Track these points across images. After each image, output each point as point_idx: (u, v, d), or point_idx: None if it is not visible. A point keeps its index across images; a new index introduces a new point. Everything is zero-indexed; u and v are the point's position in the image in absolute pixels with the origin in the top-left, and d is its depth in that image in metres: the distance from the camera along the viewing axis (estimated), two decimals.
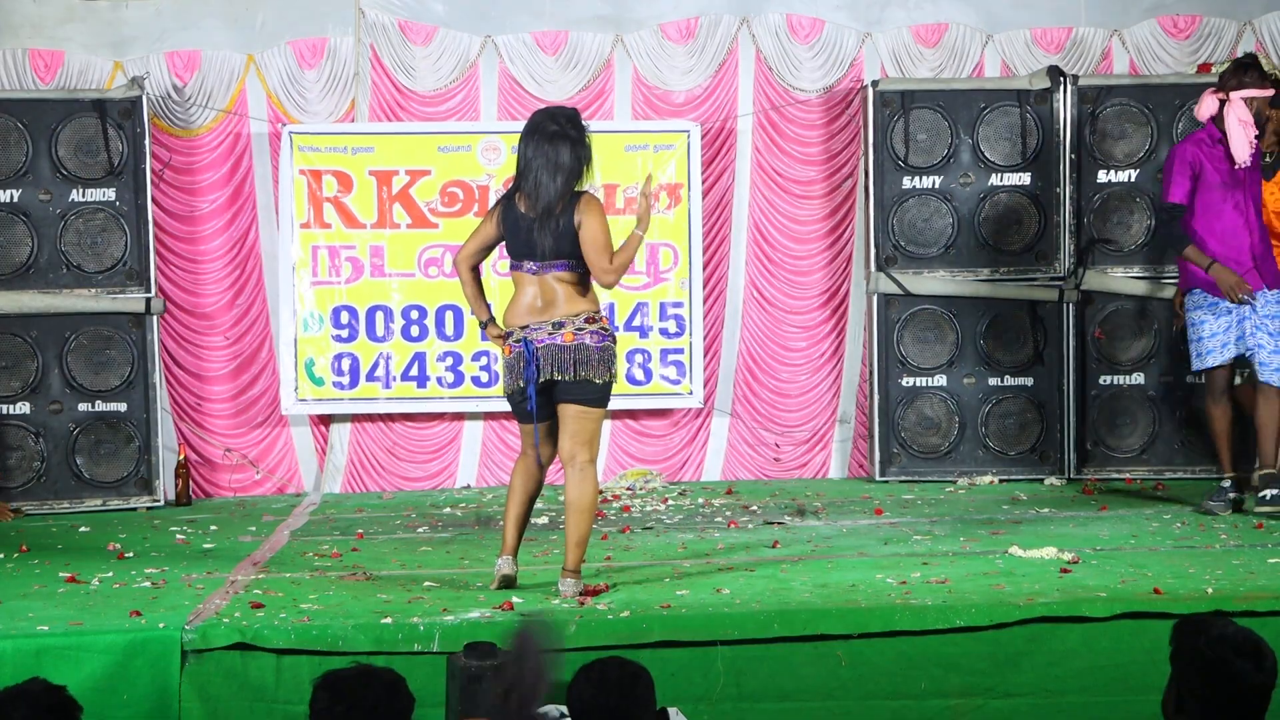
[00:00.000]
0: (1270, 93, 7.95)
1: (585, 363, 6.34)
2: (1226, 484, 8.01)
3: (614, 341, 6.45)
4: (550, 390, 6.41)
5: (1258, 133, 7.93)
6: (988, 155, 9.51)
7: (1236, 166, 7.91)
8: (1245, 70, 7.97)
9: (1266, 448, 8.00)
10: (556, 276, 6.40)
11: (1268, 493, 7.80)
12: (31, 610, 6.15)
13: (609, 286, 6.53)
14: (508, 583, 6.44)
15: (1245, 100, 7.88)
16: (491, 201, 8.48)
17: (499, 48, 9.81)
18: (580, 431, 6.39)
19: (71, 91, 9.29)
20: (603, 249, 6.35)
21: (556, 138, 6.35)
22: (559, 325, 6.36)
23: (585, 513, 6.36)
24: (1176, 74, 9.74)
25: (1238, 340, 7.89)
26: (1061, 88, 9.44)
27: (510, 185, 6.56)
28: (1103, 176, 9.49)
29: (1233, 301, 7.83)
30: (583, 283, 6.45)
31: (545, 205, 6.33)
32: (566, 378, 6.33)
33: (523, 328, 6.40)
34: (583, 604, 6.12)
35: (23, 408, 9.06)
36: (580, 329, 6.36)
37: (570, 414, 6.39)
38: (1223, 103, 7.93)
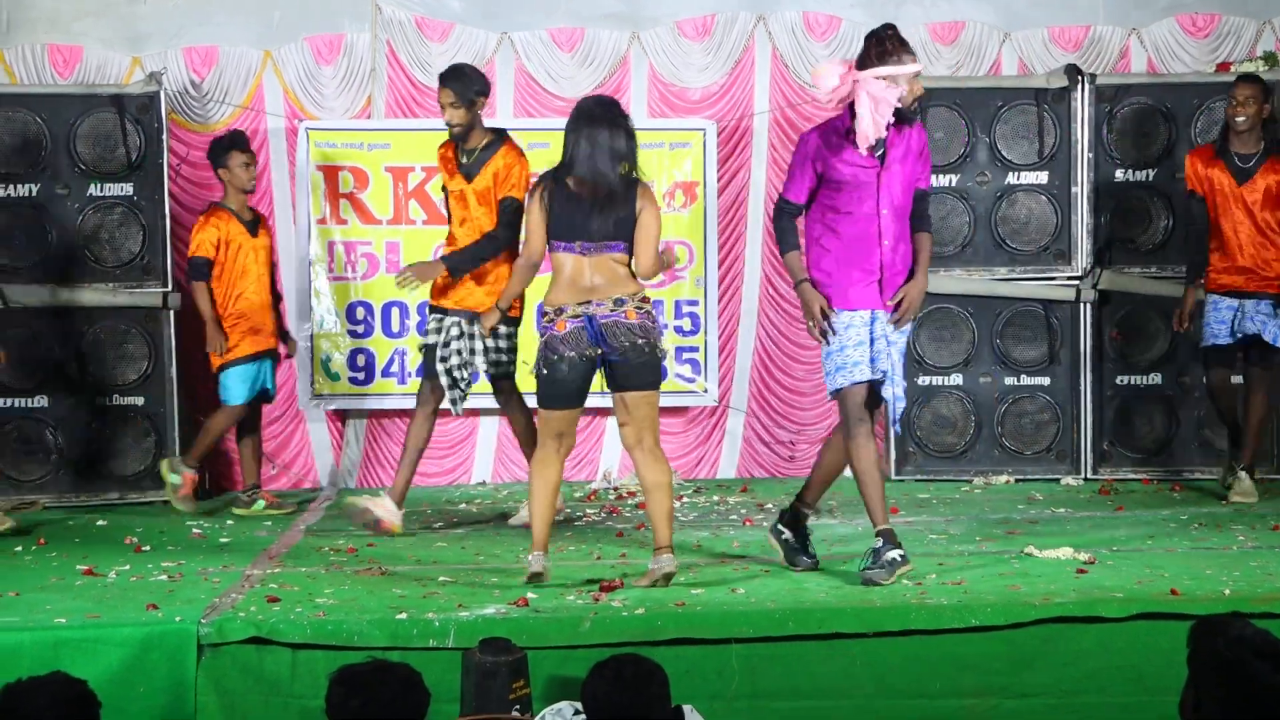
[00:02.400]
0: (915, 68, 6.57)
1: (651, 340, 6.46)
2: None
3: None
4: (594, 373, 6.49)
5: (894, 119, 6.56)
6: (1005, 154, 9.49)
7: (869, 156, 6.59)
8: (881, 42, 6.61)
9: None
10: (613, 257, 6.50)
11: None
12: (49, 603, 6.18)
13: (645, 279, 6.59)
14: (538, 579, 6.44)
15: (883, 78, 6.52)
16: None
17: (515, 44, 9.82)
18: (648, 416, 6.51)
19: (90, 87, 9.31)
20: (655, 241, 6.52)
21: (613, 124, 6.48)
22: (620, 302, 6.44)
23: (670, 489, 6.53)
24: (1195, 73, 9.72)
25: (871, 362, 6.64)
26: (1079, 86, 9.41)
27: (555, 169, 6.58)
28: (1120, 175, 9.47)
29: (809, 330, 6.69)
30: (629, 266, 6.55)
31: (608, 190, 6.44)
32: (636, 352, 6.41)
33: (581, 304, 6.44)
34: (597, 600, 6.12)
35: (40, 401, 9.09)
36: (639, 308, 6.47)
37: (637, 400, 6.49)
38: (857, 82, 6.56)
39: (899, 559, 6.40)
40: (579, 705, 4.52)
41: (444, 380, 7.79)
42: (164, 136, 9.14)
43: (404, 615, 5.85)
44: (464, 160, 7.90)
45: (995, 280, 9.48)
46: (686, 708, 4.61)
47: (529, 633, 5.65)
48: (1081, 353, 9.44)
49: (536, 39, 9.83)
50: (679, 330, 9.65)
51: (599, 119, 6.48)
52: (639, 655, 4.47)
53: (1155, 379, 9.48)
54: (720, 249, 9.78)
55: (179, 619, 5.83)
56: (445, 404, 7.86)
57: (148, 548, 7.55)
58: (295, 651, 5.71)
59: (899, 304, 6.63)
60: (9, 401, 9.04)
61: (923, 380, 9.52)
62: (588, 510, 8.69)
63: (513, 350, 7.91)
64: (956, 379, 9.54)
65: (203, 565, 7.06)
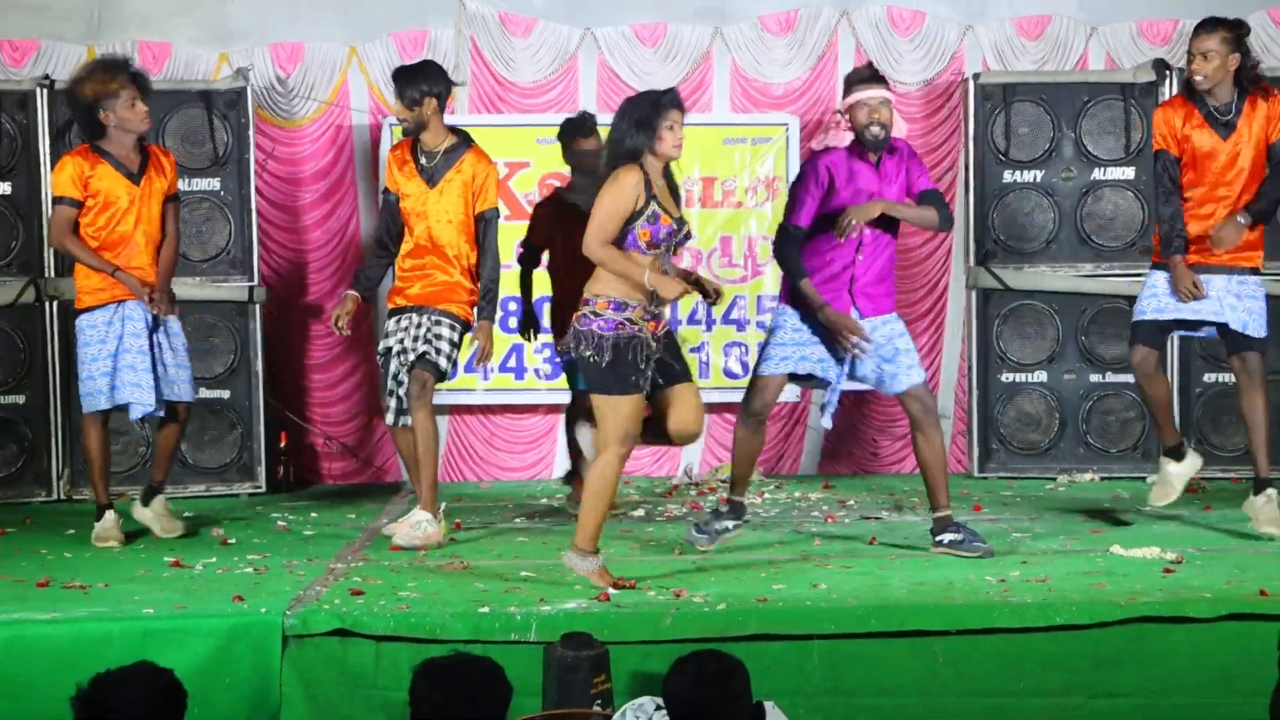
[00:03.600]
0: (878, 94, 6.92)
1: (571, 344, 6.31)
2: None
3: (597, 325, 6.23)
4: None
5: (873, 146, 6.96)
6: (1090, 149, 9.41)
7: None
8: (849, 80, 7.09)
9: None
10: None
11: (944, 538, 7.10)
12: (138, 594, 6.26)
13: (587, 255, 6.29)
14: None
15: (846, 108, 6.99)
16: None
17: (598, 40, 9.83)
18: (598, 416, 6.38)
19: (178, 83, 9.40)
20: (593, 220, 6.21)
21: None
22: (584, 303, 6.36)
23: (592, 491, 6.36)
24: None
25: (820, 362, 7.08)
26: (1166, 80, 9.31)
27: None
28: None
29: (843, 345, 6.97)
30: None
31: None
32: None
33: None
34: (679, 595, 6.12)
35: None
36: (580, 310, 6.32)
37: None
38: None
39: (729, 528, 7.16)
40: (660, 701, 4.52)
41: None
42: (250, 132, 9.22)
43: (486, 609, 5.88)
44: (424, 162, 7.57)
45: (1081, 276, 9.40)
46: (768, 704, 4.60)
47: (610, 628, 5.65)
48: (1168, 350, 9.33)
49: (619, 34, 9.85)
50: (761, 326, 9.63)
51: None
52: (720, 651, 4.48)
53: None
54: None
55: (264, 610, 5.88)
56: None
57: (233, 540, 7.63)
58: (379, 644, 5.75)
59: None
60: None
61: (1006, 377, 9.45)
62: (669, 505, 8.69)
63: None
64: (1041, 376, 9.47)
65: (288, 558, 7.12)
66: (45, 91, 9.07)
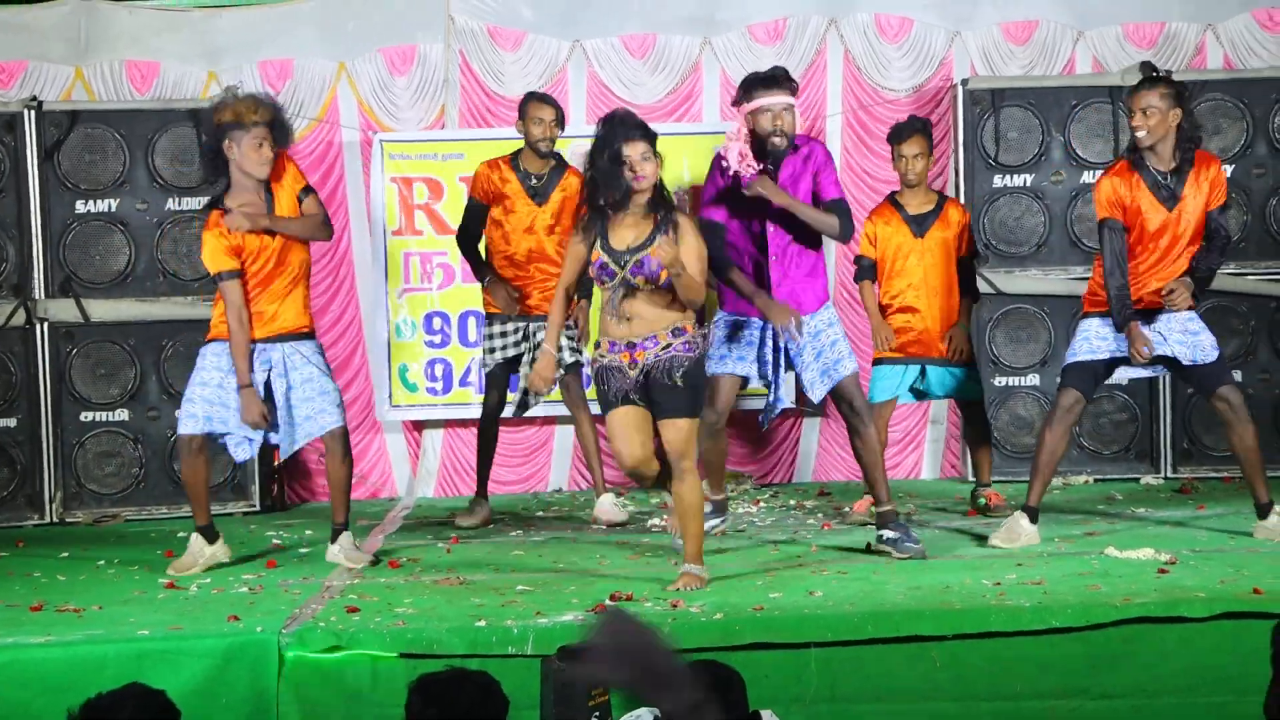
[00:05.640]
0: (780, 100, 7.04)
1: None
2: None
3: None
4: None
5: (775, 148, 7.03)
6: (1079, 153, 9.42)
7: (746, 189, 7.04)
8: (749, 84, 7.14)
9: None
10: None
11: (883, 533, 7.21)
12: (132, 615, 6.25)
13: None
14: None
15: (746, 114, 7.06)
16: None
17: (587, 52, 9.85)
18: None
19: (167, 101, 9.42)
20: None
21: None
22: None
23: None
24: (1272, 68, 9.61)
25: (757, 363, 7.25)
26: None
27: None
28: None
29: (788, 331, 7.04)
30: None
31: None
32: None
33: None
34: (675, 606, 6.12)
35: (121, 414, 9.19)
36: None
37: None
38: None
39: (715, 524, 7.37)
40: (658, 712, 4.51)
41: None
42: None
43: (483, 623, 5.88)
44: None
45: (1071, 279, 9.41)
46: (765, 713, 4.60)
47: None
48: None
49: (608, 46, 9.86)
50: None
51: None
52: (716, 661, 4.47)
53: (1236, 376, 9.35)
54: None
55: (260, 630, 5.87)
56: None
57: (227, 560, 7.60)
58: (375, 661, 5.74)
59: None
60: (87, 415, 9.15)
61: (999, 381, 9.46)
62: (665, 516, 8.67)
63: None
64: (1033, 379, 9.48)
65: (282, 576, 7.12)
66: (33, 113, 9.07)
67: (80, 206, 9.15)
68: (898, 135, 8.27)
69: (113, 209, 9.18)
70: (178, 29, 9.76)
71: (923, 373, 8.35)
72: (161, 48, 9.73)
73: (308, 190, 7.39)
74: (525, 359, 8.38)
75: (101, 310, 9.10)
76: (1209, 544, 7.17)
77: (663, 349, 6.41)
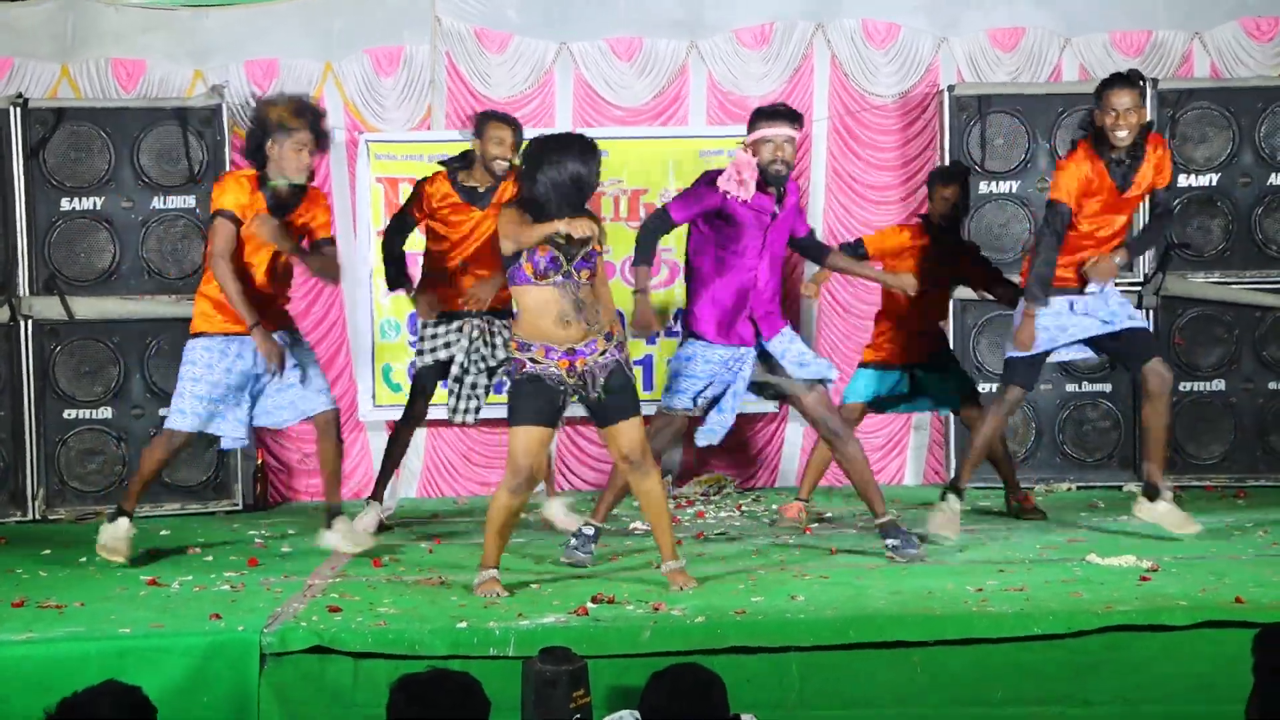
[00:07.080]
0: (785, 132, 7.08)
1: None
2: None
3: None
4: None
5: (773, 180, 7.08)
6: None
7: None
8: (757, 114, 7.23)
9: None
10: None
11: (887, 542, 7.25)
12: (114, 613, 6.24)
13: None
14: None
15: (750, 143, 7.12)
16: None
17: (574, 54, 9.85)
18: None
19: (153, 100, 9.40)
20: None
21: None
22: None
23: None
24: (1259, 76, 9.65)
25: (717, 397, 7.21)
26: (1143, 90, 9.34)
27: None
28: (1183, 181, 9.40)
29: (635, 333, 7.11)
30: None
31: None
32: None
33: None
34: (657, 609, 6.11)
35: (105, 413, 9.18)
36: None
37: None
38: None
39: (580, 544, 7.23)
40: (639, 714, 4.52)
41: None
42: (226, 149, 9.21)
43: (464, 624, 5.87)
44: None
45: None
46: (746, 717, 4.61)
47: (589, 641, 5.65)
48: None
49: (595, 49, 9.86)
50: None
51: None
52: (697, 665, 4.48)
53: (1219, 385, 9.41)
54: None
55: (241, 628, 5.87)
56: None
57: (210, 558, 7.60)
58: (357, 660, 5.74)
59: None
60: (71, 412, 9.13)
61: (983, 387, 9.46)
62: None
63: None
64: None
65: (264, 575, 7.11)
66: (19, 110, 9.04)
67: (65, 204, 9.13)
68: (945, 177, 8.40)
69: (98, 207, 9.16)
70: (164, 27, 9.75)
71: (913, 379, 8.36)
72: (148, 46, 9.72)
73: (330, 241, 7.47)
74: (459, 360, 8.16)
75: (86, 308, 9.08)
76: (1191, 551, 7.18)
77: (600, 355, 6.45)
